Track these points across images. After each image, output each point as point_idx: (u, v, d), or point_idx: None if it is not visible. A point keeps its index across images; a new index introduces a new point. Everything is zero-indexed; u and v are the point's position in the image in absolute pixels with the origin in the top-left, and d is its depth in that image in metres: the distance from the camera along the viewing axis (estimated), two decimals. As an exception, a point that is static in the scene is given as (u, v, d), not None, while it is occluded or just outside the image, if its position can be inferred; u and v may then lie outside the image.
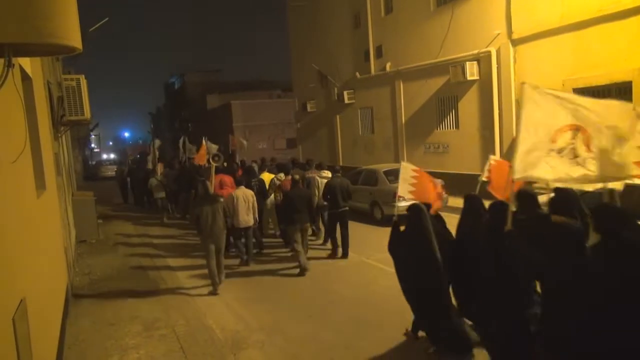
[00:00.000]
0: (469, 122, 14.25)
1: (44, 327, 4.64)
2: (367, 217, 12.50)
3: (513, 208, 4.21)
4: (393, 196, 5.65)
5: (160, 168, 15.87)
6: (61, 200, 8.31)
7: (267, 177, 10.84)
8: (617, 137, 3.85)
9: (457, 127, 14.80)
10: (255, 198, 9.22)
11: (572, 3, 11.02)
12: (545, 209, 4.59)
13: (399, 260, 5.28)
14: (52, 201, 6.87)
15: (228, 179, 10.58)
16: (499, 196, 5.30)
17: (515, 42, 12.64)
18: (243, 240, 9.48)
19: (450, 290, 5.09)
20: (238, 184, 9.38)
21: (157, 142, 18.52)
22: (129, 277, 9.15)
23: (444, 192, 5.70)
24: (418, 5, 15.99)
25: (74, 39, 3.06)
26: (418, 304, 5.13)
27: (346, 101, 20.05)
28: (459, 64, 13.88)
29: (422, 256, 4.85)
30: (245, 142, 18.78)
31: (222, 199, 8.41)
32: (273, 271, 9.01)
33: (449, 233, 5.27)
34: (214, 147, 14.24)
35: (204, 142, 14.52)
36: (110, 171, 33.80)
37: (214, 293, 7.84)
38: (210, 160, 10.83)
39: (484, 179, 6.38)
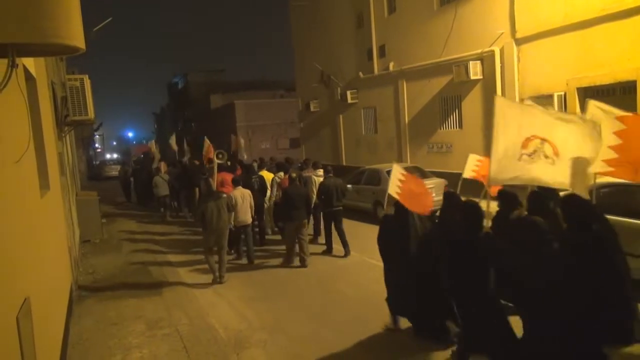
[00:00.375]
0: (473, 121, 14.21)
1: (48, 326, 4.66)
2: (370, 217, 12.50)
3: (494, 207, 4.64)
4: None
5: (163, 167, 16.14)
6: (65, 200, 8.34)
7: (266, 175, 11.09)
8: (580, 148, 4.19)
9: (460, 126, 14.77)
10: (252, 197, 9.41)
11: (575, 2, 10.98)
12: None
13: (385, 250, 5.72)
14: (56, 201, 6.90)
15: (229, 178, 10.69)
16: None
17: (519, 42, 12.60)
18: (243, 236, 9.64)
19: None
20: (236, 183, 9.48)
21: (152, 143, 19.05)
22: (132, 277, 9.18)
23: (432, 198, 5.94)
24: (421, 4, 15.96)
25: (78, 39, 3.07)
26: (402, 290, 5.51)
27: (349, 101, 20.04)
28: (463, 64, 13.85)
29: (404, 247, 5.28)
30: (242, 141, 18.77)
31: (225, 196, 8.71)
32: (275, 270, 9.02)
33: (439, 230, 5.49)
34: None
35: (207, 141, 14.62)
36: (114, 171, 33.82)
37: (216, 282, 8.29)
38: (214, 158, 11.03)
39: (466, 176, 6.84)
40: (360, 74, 19.52)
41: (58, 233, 6.81)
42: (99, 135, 56.91)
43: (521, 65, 12.67)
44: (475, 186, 6.78)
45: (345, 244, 9.54)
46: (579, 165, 4.21)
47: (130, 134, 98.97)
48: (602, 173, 4.50)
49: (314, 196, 10.01)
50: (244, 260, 9.68)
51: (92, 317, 7.10)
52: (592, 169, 4.36)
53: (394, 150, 18.05)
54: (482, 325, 4.40)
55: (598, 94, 10.91)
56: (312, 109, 23.41)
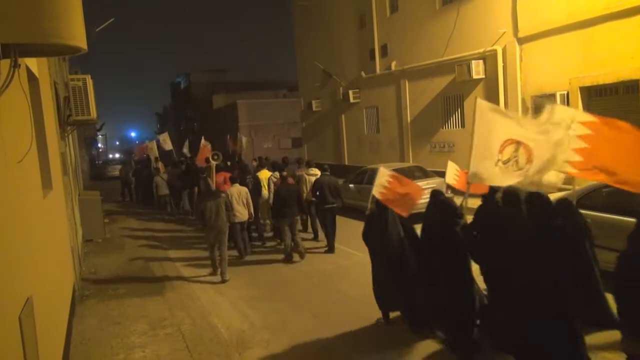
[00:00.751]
0: (475, 121, 14.16)
1: (51, 325, 4.67)
2: (372, 217, 12.47)
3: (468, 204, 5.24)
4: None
5: (162, 167, 16.51)
6: (68, 199, 8.36)
7: (263, 174, 11.32)
8: (555, 145, 4.46)
9: (462, 126, 14.74)
10: (249, 194, 9.74)
11: (578, 1, 10.94)
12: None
13: (370, 244, 6.17)
14: (58, 201, 6.91)
15: (229, 176, 10.93)
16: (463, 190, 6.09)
17: (521, 41, 12.56)
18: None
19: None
20: (233, 180, 9.83)
21: (153, 143, 19.50)
22: (135, 276, 9.20)
23: (416, 201, 6.30)
24: (423, 4, 15.94)
25: (80, 39, 3.08)
26: (387, 280, 5.91)
27: (351, 100, 20.04)
28: (465, 63, 13.83)
29: (384, 241, 5.77)
30: (244, 140, 18.79)
31: (224, 195, 9.05)
32: (278, 270, 9.03)
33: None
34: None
35: (203, 142, 14.95)
36: (117, 171, 33.92)
37: (213, 274, 8.70)
38: (210, 159, 11.43)
39: (449, 182, 7.36)
40: (363, 73, 19.51)
41: (61, 233, 6.83)
42: (101, 135, 57.05)
43: (524, 64, 12.64)
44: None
45: (331, 239, 9.88)
46: (549, 170, 4.51)
47: (133, 134, 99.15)
48: (567, 173, 4.85)
49: (305, 194, 10.36)
50: (246, 255, 9.96)
51: (95, 317, 7.11)
52: (557, 167, 4.67)
53: (396, 150, 18.04)
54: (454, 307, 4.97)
55: (601, 93, 10.89)
56: (314, 108, 23.41)
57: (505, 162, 4.63)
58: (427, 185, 9.81)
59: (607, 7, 10.24)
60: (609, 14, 10.25)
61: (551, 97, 11.47)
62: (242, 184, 10.23)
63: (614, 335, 4.14)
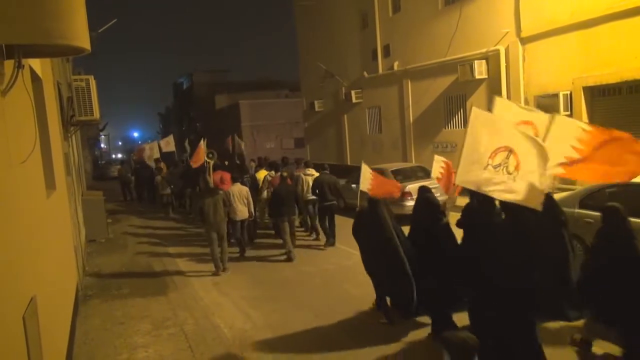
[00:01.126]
0: (478, 121, 14.15)
1: (54, 325, 4.68)
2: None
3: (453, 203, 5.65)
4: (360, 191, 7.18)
5: (164, 167, 16.84)
6: (71, 199, 8.38)
7: (261, 174, 11.78)
8: (542, 157, 4.64)
9: (465, 126, 14.64)
10: (249, 193, 10.06)
11: (581, 1, 10.91)
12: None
13: (361, 240, 6.43)
14: (62, 201, 6.93)
15: (227, 176, 11.41)
16: (448, 193, 6.31)
17: (524, 41, 12.54)
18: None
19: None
20: (234, 180, 10.14)
21: (154, 143, 20.03)
22: (138, 276, 9.22)
23: (399, 191, 7.11)
24: (426, 4, 15.92)
25: (83, 39, 3.09)
26: (378, 272, 6.20)
27: (354, 100, 20.02)
28: (468, 63, 13.81)
29: (377, 235, 5.90)
30: (242, 143, 19.00)
31: (221, 192, 9.36)
32: (281, 270, 9.03)
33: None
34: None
35: (201, 143, 15.18)
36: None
37: (216, 274, 8.86)
38: (206, 158, 12.02)
39: (435, 176, 7.41)
40: (365, 73, 19.50)
41: (64, 233, 6.85)
42: (104, 135, 57.15)
43: (526, 64, 12.62)
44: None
45: (332, 235, 10.23)
46: (533, 180, 4.65)
47: (135, 134, 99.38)
48: (559, 174, 5.08)
49: (303, 194, 10.69)
50: (236, 249, 10.15)
51: (98, 317, 7.13)
52: (550, 171, 4.82)
53: (399, 150, 18.03)
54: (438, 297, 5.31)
55: (604, 93, 10.86)
56: (316, 108, 23.40)
57: (495, 167, 4.83)
58: (430, 186, 9.79)
59: (611, 6, 10.21)
60: (612, 13, 10.22)
61: (554, 97, 11.44)
62: (242, 183, 10.47)
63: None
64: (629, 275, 4.07)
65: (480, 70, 13.59)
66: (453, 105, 15.28)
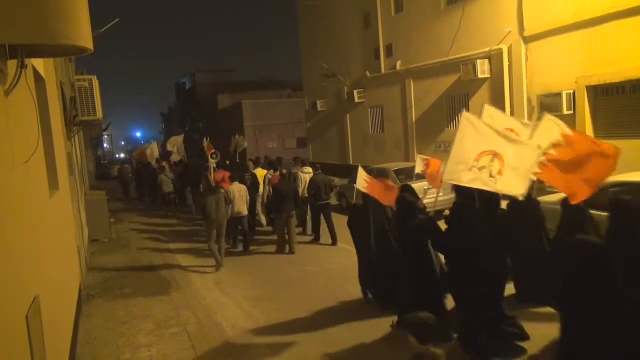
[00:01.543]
0: (480, 120, 14.12)
1: (57, 324, 4.69)
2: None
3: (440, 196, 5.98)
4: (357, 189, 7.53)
5: (167, 166, 17.09)
6: (74, 199, 8.40)
7: (260, 173, 12.13)
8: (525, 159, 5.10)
9: (468, 125, 14.67)
10: (248, 191, 10.42)
11: (584, 0, 10.88)
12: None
13: (355, 230, 6.93)
14: (65, 201, 6.95)
15: (227, 175, 11.61)
16: (434, 186, 6.97)
17: (527, 40, 12.51)
18: (240, 228, 10.66)
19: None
20: (233, 179, 10.45)
21: (154, 144, 20.50)
22: (140, 276, 9.24)
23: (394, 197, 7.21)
24: (428, 3, 15.90)
25: (86, 39, 3.09)
26: (368, 262, 6.67)
27: (356, 100, 20.01)
28: (470, 62, 13.79)
29: (369, 231, 6.52)
30: (245, 144, 19.18)
31: (223, 191, 9.73)
32: (283, 270, 9.04)
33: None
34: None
35: (205, 142, 15.58)
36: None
37: (217, 269, 9.19)
38: (209, 158, 12.69)
39: (419, 172, 8.19)
40: (368, 73, 19.48)
41: (67, 232, 6.86)
42: (107, 135, 57.26)
43: (530, 63, 12.59)
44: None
45: (333, 235, 10.36)
46: (517, 182, 5.09)
47: (138, 134, 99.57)
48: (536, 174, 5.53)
49: (301, 191, 10.99)
50: (240, 248, 10.63)
51: (101, 316, 7.15)
52: (530, 170, 5.27)
53: (401, 149, 18.01)
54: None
55: (607, 92, 10.82)
56: (319, 108, 23.40)
57: (480, 169, 5.21)
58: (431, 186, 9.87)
59: (614, 5, 10.18)
60: (616, 12, 10.19)
61: (557, 96, 11.40)
62: (241, 181, 10.80)
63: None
64: (578, 260, 4.04)
65: (483, 69, 13.57)
66: (456, 105, 15.26)
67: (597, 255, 3.70)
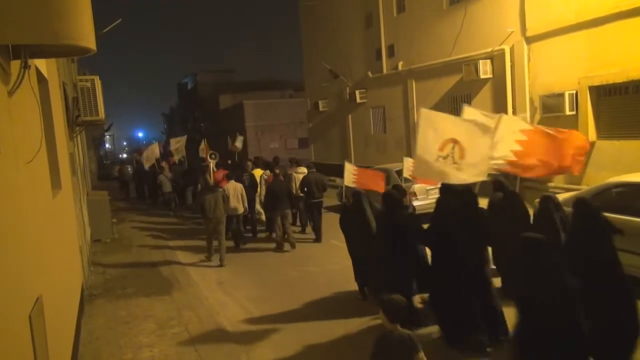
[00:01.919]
0: (482, 121, 14.10)
1: (60, 324, 4.70)
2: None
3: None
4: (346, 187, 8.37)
5: (166, 166, 17.21)
6: (76, 199, 8.41)
7: (258, 173, 12.38)
8: (488, 146, 5.56)
9: (470, 126, 14.66)
10: (244, 190, 10.68)
11: (587, 0, 10.85)
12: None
13: (347, 229, 7.16)
14: (67, 201, 6.96)
15: (226, 174, 12.06)
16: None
17: (530, 40, 12.48)
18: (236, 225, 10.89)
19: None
20: (229, 177, 10.83)
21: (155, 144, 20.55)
22: (142, 276, 9.25)
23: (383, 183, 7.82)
24: (430, 4, 15.88)
25: (89, 39, 3.09)
26: (362, 259, 6.79)
27: (358, 100, 20.00)
28: (472, 63, 13.77)
29: (360, 225, 6.67)
30: (239, 145, 19.24)
31: (221, 189, 10.09)
32: (284, 270, 9.04)
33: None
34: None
35: (203, 144, 15.79)
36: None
37: (208, 260, 9.76)
38: (208, 158, 13.13)
39: (406, 175, 8.48)
40: (369, 73, 19.48)
41: (69, 232, 6.87)
42: (109, 135, 57.37)
43: (532, 63, 12.56)
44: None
45: (317, 230, 10.79)
46: (478, 164, 5.48)
47: (140, 134, 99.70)
48: (499, 169, 6.03)
49: (294, 191, 11.30)
50: (230, 243, 10.59)
51: (103, 316, 7.16)
52: (493, 163, 5.75)
53: (403, 150, 17.99)
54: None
55: (610, 93, 10.79)
56: (320, 108, 23.39)
57: (444, 158, 5.56)
58: (433, 186, 9.85)
59: (617, 5, 10.15)
60: (619, 12, 10.15)
61: (560, 96, 11.37)
62: (239, 180, 11.04)
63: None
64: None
65: (485, 69, 13.55)
66: (458, 105, 15.19)
67: (538, 250, 3.76)
